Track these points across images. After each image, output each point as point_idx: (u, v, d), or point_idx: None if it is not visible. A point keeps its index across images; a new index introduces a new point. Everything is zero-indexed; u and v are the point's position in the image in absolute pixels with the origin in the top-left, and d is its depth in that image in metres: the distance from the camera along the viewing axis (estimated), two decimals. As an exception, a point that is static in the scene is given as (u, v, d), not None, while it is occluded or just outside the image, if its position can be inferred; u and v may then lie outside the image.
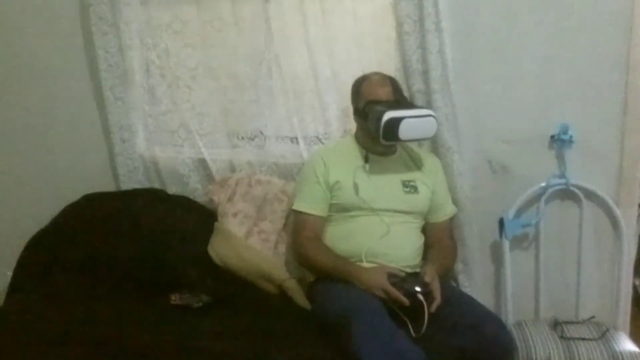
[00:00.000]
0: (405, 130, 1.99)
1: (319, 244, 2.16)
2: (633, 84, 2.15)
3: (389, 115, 1.99)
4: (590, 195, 2.26)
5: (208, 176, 2.64)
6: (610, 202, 2.24)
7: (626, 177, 2.24)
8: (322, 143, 2.50)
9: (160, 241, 2.35)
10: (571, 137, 2.21)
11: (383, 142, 2.05)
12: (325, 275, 2.12)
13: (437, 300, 1.92)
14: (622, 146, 2.21)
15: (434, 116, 2.04)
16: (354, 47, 2.37)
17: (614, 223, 2.26)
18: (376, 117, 2.02)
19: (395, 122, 1.98)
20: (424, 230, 2.26)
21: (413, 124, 2.00)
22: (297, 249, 2.21)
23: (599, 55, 2.17)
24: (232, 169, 2.60)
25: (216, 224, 2.41)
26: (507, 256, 2.31)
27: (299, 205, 2.21)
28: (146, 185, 2.72)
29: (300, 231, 2.19)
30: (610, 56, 2.16)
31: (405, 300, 1.89)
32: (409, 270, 2.08)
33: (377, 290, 1.94)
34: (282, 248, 2.35)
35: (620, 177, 2.24)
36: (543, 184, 2.27)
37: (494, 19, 2.23)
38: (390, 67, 2.31)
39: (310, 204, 2.18)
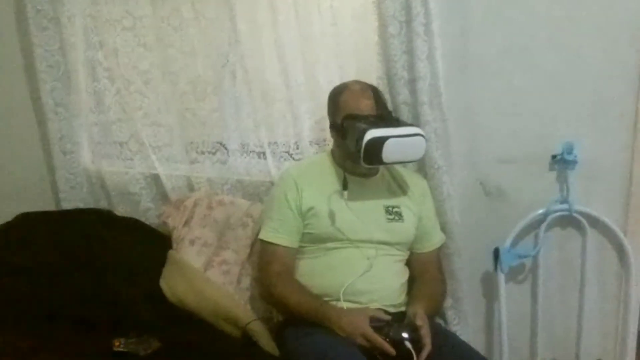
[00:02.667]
0: (389, 152, 1.78)
1: (290, 280, 1.94)
2: (645, 99, 2.01)
3: (371, 134, 1.77)
4: (595, 222, 2.11)
5: (162, 195, 2.45)
6: (617, 231, 2.10)
7: (635, 203, 2.09)
8: (294, 160, 2.32)
9: (103, 272, 2.14)
10: (575, 157, 2.05)
11: (364, 165, 1.83)
12: (297, 316, 1.89)
13: (428, 348, 1.72)
14: (631, 168, 2.07)
15: (422, 135, 1.83)
16: (331, 50, 2.21)
17: (621, 254, 2.13)
18: (356, 135, 1.81)
19: (378, 143, 1.77)
20: (409, 262, 2.06)
21: (399, 145, 1.79)
22: (264, 285, 1.98)
23: (609, 67, 2.03)
24: (190, 187, 2.42)
25: (170, 253, 2.21)
26: (503, 290, 2.15)
27: (266, 235, 1.97)
28: (91, 204, 2.52)
29: (268, 264, 1.96)
30: (620, 69, 2.03)
31: (391, 350, 1.69)
32: (392, 310, 1.89)
33: (359, 337, 1.73)
34: (247, 282, 2.14)
35: (629, 203, 2.10)
36: (543, 210, 2.12)
37: (492, 22, 2.07)
38: (372, 74, 2.14)
39: (280, 233, 1.95)
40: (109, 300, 2.07)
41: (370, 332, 1.72)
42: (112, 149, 2.49)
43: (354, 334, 1.73)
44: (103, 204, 2.52)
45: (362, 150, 1.77)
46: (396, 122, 1.92)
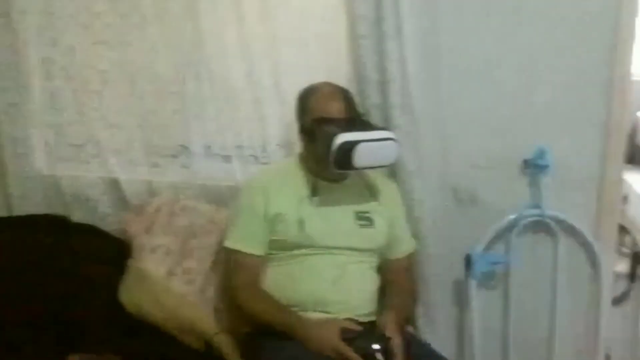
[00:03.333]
0: (360, 157, 1.74)
1: (258, 291, 1.87)
2: (617, 104, 2.00)
3: (341, 138, 1.73)
4: (567, 228, 2.10)
5: (121, 200, 2.37)
6: (589, 236, 2.09)
7: (606, 208, 2.09)
8: (261, 163, 2.26)
9: (58, 283, 2.06)
10: (547, 162, 2.03)
11: (334, 170, 1.79)
12: (265, 328, 1.83)
13: (399, 359, 1.69)
14: (603, 173, 2.06)
15: (394, 139, 1.80)
16: (299, 51, 2.17)
17: (592, 259, 2.12)
18: (326, 140, 1.76)
19: (349, 148, 1.73)
20: (380, 269, 2.01)
21: (370, 150, 1.76)
22: (230, 295, 1.93)
23: (581, 71, 2.02)
24: (151, 192, 2.34)
25: (130, 262, 2.12)
26: (474, 297, 2.13)
27: (232, 243, 1.91)
28: (45, 210, 2.42)
29: (235, 274, 1.90)
30: (592, 73, 2.01)
31: None
32: (363, 319, 1.84)
33: (328, 350, 1.69)
34: (211, 292, 2.07)
35: (600, 208, 2.09)
36: (515, 215, 2.09)
37: (465, 24, 2.05)
38: (341, 76, 2.10)
39: (247, 242, 1.89)
40: (64, 313, 1.99)
41: (340, 345, 1.68)
42: (68, 152, 2.41)
43: (324, 348, 1.69)
44: (58, 210, 2.41)
45: (333, 155, 1.73)
46: (367, 126, 1.90)
